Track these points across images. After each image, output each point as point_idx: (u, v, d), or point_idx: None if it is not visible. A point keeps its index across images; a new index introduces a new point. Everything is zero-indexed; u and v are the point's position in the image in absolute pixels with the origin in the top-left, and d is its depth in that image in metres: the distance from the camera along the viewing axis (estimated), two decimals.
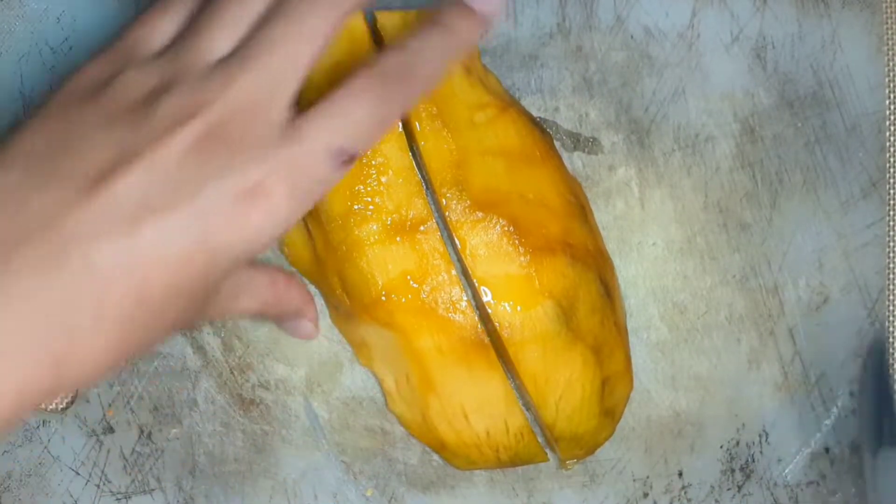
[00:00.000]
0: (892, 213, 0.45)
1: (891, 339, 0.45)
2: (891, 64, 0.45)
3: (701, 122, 0.44)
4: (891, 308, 0.45)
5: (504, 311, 0.37)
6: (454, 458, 0.40)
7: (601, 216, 0.43)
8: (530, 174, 0.39)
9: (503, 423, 0.39)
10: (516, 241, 0.37)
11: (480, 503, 0.43)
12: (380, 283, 0.37)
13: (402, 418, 0.41)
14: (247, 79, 0.31)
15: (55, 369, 0.28)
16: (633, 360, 0.43)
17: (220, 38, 0.32)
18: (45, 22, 0.42)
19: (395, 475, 0.43)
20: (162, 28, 0.33)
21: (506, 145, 0.38)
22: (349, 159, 0.31)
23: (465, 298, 0.38)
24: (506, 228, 0.37)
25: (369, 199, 0.37)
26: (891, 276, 0.45)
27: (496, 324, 0.37)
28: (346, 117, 0.31)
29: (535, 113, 0.43)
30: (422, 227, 0.37)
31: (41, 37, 0.42)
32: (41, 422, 0.42)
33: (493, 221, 0.37)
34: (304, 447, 0.43)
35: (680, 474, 0.44)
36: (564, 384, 0.38)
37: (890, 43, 0.45)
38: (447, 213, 0.37)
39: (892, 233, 0.45)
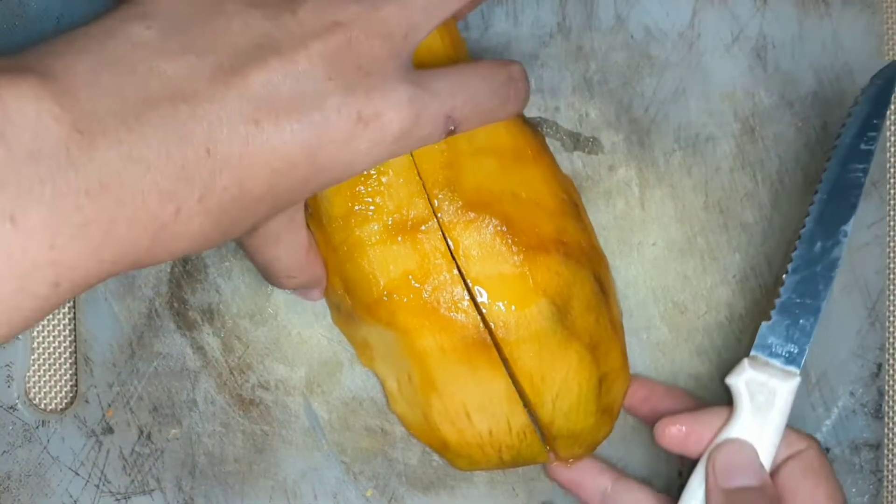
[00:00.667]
0: (892, 212, 0.45)
1: (891, 339, 0.45)
2: None
3: (701, 121, 0.44)
4: (891, 308, 0.45)
5: (498, 311, 0.37)
6: (457, 458, 0.40)
7: (601, 216, 0.43)
8: (522, 173, 0.38)
9: (506, 423, 0.39)
10: (509, 241, 0.37)
11: (480, 503, 0.43)
12: (381, 283, 0.37)
13: (404, 419, 0.41)
14: (390, 10, 0.31)
15: (152, 240, 0.27)
16: (633, 361, 0.43)
17: None
18: (44, 22, 0.42)
19: (395, 475, 0.43)
20: None
21: (497, 145, 0.38)
22: (453, 131, 0.33)
23: (466, 298, 0.38)
24: (498, 228, 0.37)
25: (370, 200, 0.37)
26: (891, 276, 0.45)
27: (491, 324, 0.37)
28: (471, 93, 0.33)
29: (535, 113, 0.43)
30: (423, 227, 0.37)
31: (41, 37, 0.42)
32: (41, 422, 0.42)
33: (486, 221, 0.37)
34: (304, 447, 0.43)
35: (679, 474, 0.44)
36: (561, 382, 0.38)
37: (890, 43, 0.45)
38: (439, 215, 0.37)
39: (892, 233, 0.45)
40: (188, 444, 0.43)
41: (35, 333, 0.43)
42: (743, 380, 0.38)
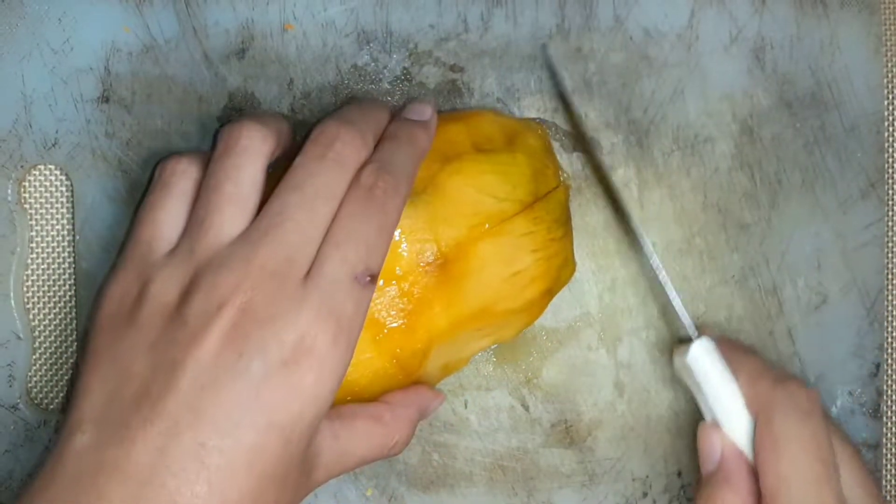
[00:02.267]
0: (890, 213, 0.45)
1: (889, 339, 0.45)
2: (889, 65, 0.45)
3: (700, 122, 0.44)
4: (889, 308, 0.45)
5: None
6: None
7: (601, 216, 0.43)
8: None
9: None
10: None
11: (480, 503, 0.43)
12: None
13: None
14: (265, 254, 0.31)
15: None
16: (633, 360, 0.43)
17: (230, 214, 0.33)
18: (46, 23, 0.42)
19: (395, 475, 0.43)
20: (169, 222, 0.34)
21: None
22: (372, 278, 0.33)
23: None
24: None
25: None
26: (889, 276, 0.45)
27: None
28: (355, 241, 0.33)
29: (534, 114, 0.43)
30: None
31: (42, 38, 0.42)
32: (41, 421, 0.42)
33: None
34: None
35: (679, 474, 0.44)
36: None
37: (888, 44, 0.45)
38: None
39: (890, 233, 0.45)
40: None
41: (37, 333, 0.43)
42: (680, 372, 0.40)
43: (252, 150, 0.34)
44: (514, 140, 0.41)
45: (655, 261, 0.41)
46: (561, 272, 0.41)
